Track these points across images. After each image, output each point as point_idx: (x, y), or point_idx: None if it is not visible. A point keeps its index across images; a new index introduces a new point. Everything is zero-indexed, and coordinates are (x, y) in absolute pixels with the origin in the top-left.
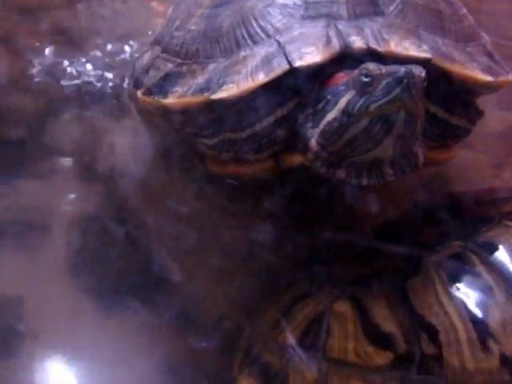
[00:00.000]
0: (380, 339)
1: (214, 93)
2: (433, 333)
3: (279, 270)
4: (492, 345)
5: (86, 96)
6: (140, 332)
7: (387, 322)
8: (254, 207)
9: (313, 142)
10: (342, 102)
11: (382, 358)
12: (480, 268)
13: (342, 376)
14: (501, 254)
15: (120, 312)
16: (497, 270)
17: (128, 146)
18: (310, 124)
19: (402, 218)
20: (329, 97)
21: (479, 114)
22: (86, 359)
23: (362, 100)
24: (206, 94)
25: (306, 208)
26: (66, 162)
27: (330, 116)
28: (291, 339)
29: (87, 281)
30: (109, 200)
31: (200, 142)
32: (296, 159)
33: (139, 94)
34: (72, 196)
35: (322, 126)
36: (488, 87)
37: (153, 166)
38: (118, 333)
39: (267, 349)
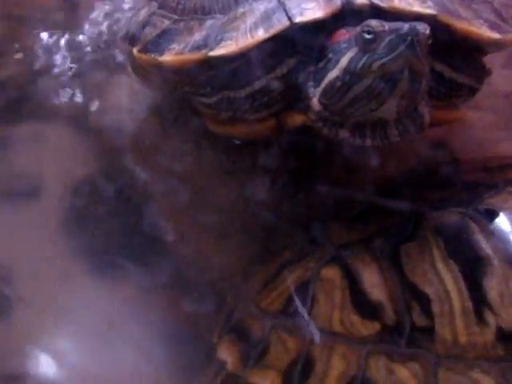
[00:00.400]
0: (368, 308)
1: (211, 50)
2: (425, 302)
3: (277, 228)
4: (489, 317)
5: (80, 53)
6: (132, 293)
7: (377, 290)
8: (250, 164)
9: (314, 102)
10: (344, 60)
11: (369, 329)
12: (479, 236)
13: (325, 346)
14: (502, 222)
15: (111, 273)
16: (496, 238)
17: (123, 104)
18: (311, 83)
19: (404, 180)
20: (330, 55)
21: (486, 72)
22: (75, 322)
23: (365, 58)
24: (203, 51)
25: (305, 164)
26: (60, 120)
27: (331, 74)
28: (275, 305)
29: (78, 241)
30: (103, 159)
31: (198, 100)
32: (298, 119)
33: (135, 51)
34: (65, 155)
35: (323, 84)
36: (495, 45)
37: (149, 124)
38: (109, 294)
39: (250, 314)
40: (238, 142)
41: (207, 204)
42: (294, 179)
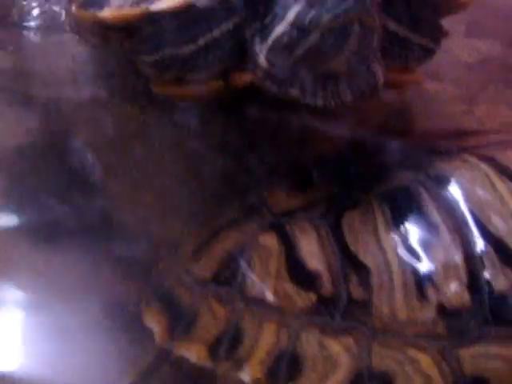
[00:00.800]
0: (304, 278)
1: (152, 3)
2: (364, 274)
3: (215, 191)
4: (430, 292)
5: (19, 17)
6: (59, 241)
7: (314, 260)
8: (195, 128)
9: (262, 59)
10: (291, 15)
11: (304, 300)
12: (428, 203)
13: (255, 318)
14: (452, 190)
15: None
16: (446, 206)
17: (66, 69)
18: (258, 39)
19: (354, 145)
20: (277, 9)
21: (443, 33)
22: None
23: (313, 12)
24: (143, 6)
25: (249, 130)
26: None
27: (278, 30)
28: (207, 272)
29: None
30: (46, 127)
31: (140, 60)
32: (245, 78)
33: (74, 8)
34: (6, 124)
35: (270, 41)
36: (450, 5)
37: (93, 89)
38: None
39: (180, 282)
40: (183, 105)
41: (153, 173)
42: (236, 141)
